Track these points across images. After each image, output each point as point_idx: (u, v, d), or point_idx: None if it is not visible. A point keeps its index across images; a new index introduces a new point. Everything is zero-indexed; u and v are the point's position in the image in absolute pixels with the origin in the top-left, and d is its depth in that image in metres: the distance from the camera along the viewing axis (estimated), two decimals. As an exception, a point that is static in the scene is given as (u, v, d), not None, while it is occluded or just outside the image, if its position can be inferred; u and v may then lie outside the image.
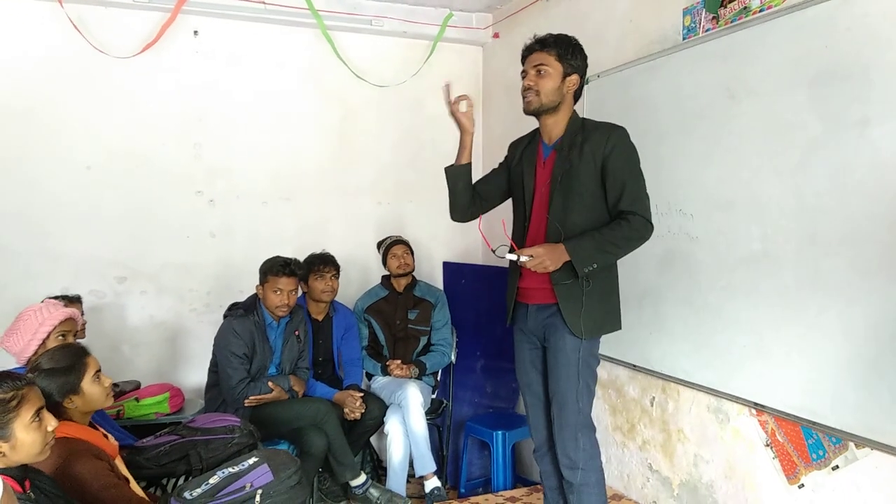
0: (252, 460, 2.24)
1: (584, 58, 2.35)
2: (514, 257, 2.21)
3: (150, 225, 3.67)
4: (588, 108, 3.19)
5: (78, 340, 2.53)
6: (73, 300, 3.10)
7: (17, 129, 3.41)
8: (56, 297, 2.92)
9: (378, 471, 3.76)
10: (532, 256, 2.18)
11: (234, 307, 3.29)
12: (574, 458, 2.30)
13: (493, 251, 2.26)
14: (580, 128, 2.32)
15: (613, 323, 2.37)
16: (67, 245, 3.50)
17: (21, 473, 1.65)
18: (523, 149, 2.51)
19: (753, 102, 2.32)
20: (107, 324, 3.55)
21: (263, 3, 3.68)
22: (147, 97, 3.64)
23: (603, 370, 3.18)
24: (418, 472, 3.40)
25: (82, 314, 2.97)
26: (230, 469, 2.21)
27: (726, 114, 2.43)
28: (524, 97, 2.34)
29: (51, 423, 1.70)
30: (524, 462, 3.79)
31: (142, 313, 3.69)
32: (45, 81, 3.45)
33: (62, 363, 2.06)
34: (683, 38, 2.68)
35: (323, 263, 3.52)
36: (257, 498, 2.13)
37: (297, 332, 3.36)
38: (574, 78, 2.32)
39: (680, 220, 2.65)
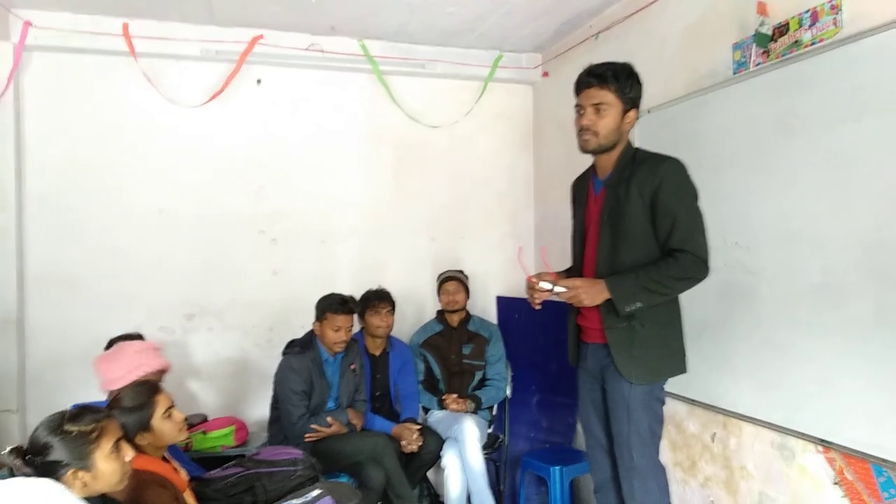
0: (316, 492, 2.31)
1: (641, 86, 2.24)
2: (548, 286, 2.13)
3: (217, 264, 3.84)
4: (639, 143, 3.21)
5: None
6: (133, 338, 3.22)
7: (97, 175, 3.65)
8: (120, 337, 3.07)
9: (428, 492, 3.77)
10: (568, 288, 2.10)
11: (291, 345, 3.39)
12: (635, 501, 2.24)
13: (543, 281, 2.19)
14: (630, 160, 2.22)
15: (674, 368, 2.25)
16: (141, 284, 3.70)
17: (101, 503, 1.74)
18: (579, 183, 2.49)
19: (809, 134, 2.31)
20: (175, 359, 3.62)
21: (322, 51, 3.86)
22: (214, 143, 3.84)
23: (661, 405, 3.14)
24: (476, 507, 3.40)
25: None
26: (294, 501, 2.28)
27: (782, 146, 2.42)
28: (581, 136, 2.24)
29: (128, 453, 1.79)
30: (582, 498, 3.74)
31: (208, 349, 3.84)
32: (122, 131, 3.69)
33: (135, 401, 2.16)
34: (734, 73, 2.70)
35: (378, 299, 3.61)
36: (321, 529, 2.18)
37: (353, 366, 3.44)
38: (633, 113, 2.23)
39: (737, 253, 2.63)
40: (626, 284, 2.08)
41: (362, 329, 3.68)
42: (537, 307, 2.22)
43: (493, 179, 4.39)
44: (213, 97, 3.76)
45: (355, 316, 3.42)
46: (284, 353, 3.36)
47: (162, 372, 2.74)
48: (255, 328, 3.92)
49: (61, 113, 3.61)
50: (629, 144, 2.29)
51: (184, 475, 2.34)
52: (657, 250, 2.16)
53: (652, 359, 2.18)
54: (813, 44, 2.32)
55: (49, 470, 1.65)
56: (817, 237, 2.28)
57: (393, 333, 3.75)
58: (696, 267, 2.10)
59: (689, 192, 2.16)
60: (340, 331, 3.25)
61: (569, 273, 2.48)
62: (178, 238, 3.77)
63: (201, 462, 3.05)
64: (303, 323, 3.48)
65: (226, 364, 3.87)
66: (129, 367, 2.60)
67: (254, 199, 3.92)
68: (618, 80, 2.17)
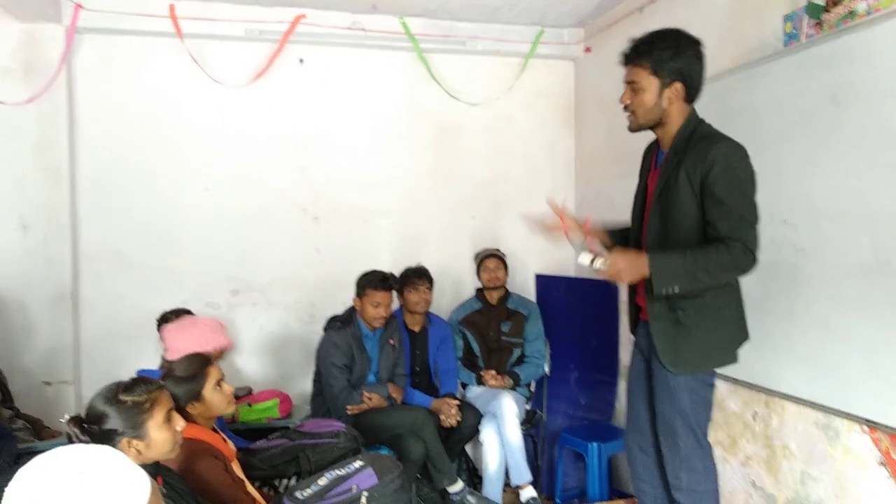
0: (358, 464, 2.36)
1: (692, 54, 2.10)
2: (587, 261, 2.04)
3: (261, 241, 3.92)
4: (683, 118, 3.15)
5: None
6: (182, 314, 3.32)
7: (145, 154, 3.75)
8: (171, 312, 3.18)
9: (474, 479, 3.83)
10: (607, 263, 1.99)
11: (332, 320, 3.46)
12: (683, 481, 2.23)
13: (575, 249, 2.15)
14: (687, 139, 2.09)
15: (722, 358, 2.20)
16: (187, 260, 3.81)
17: (154, 470, 1.81)
18: (648, 151, 2.38)
19: (861, 108, 2.24)
20: (221, 334, 3.80)
21: (364, 29, 3.87)
22: (257, 123, 3.90)
23: (702, 384, 3.12)
24: (514, 482, 3.44)
25: None
26: (338, 472, 2.34)
27: (832, 121, 2.36)
28: (627, 115, 2.20)
29: (179, 423, 1.85)
30: (619, 475, 3.75)
31: (252, 324, 3.94)
32: (170, 110, 3.78)
33: (187, 372, 2.24)
34: (785, 45, 2.62)
35: (417, 276, 3.64)
36: (363, 500, 2.24)
37: (391, 341, 3.49)
38: (677, 86, 2.09)
39: (784, 230, 2.57)
40: (670, 266, 1.98)
41: (402, 306, 3.72)
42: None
43: (534, 157, 4.36)
44: (257, 77, 3.82)
45: (394, 293, 3.46)
46: (326, 329, 3.44)
47: (224, 350, 2.83)
48: (297, 304, 4.00)
49: (111, 94, 3.70)
50: (691, 118, 2.15)
51: (231, 445, 2.42)
52: (706, 236, 2.05)
53: (697, 348, 2.12)
54: (868, 14, 2.24)
55: (105, 438, 1.72)
56: (868, 214, 2.22)
57: (432, 310, 3.78)
58: (745, 258, 1.98)
59: (742, 178, 2.01)
60: (380, 307, 3.31)
61: (623, 236, 2.41)
62: (223, 216, 3.85)
63: (247, 433, 3.15)
64: (344, 299, 3.54)
65: (269, 339, 3.97)
66: (200, 341, 2.69)
67: (297, 178, 3.98)
68: (651, 53, 2.07)
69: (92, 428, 1.71)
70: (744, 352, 2.77)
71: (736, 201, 1.98)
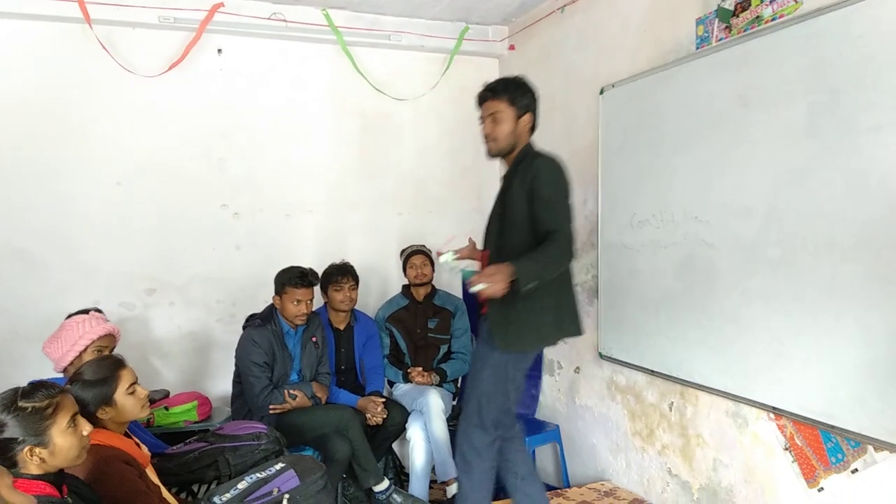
0: (279, 465, 2.31)
1: (534, 94, 2.55)
2: (449, 258, 2.49)
3: (178, 238, 3.77)
4: (603, 117, 3.24)
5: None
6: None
7: (51, 147, 3.53)
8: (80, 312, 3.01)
9: (401, 476, 3.81)
10: (487, 276, 2.22)
11: (251, 318, 3.38)
12: (463, 450, 2.55)
13: (465, 283, 2.45)
14: (521, 159, 2.50)
15: (544, 338, 2.53)
16: (99, 259, 3.61)
17: (59, 479, 1.73)
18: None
19: (767, 110, 2.35)
20: (136, 335, 3.64)
21: (285, 20, 3.77)
22: (173, 114, 3.75)
23: (621, 375, 3.22)
24: (440, 478, 3.45)
25: None
26: (258, 474, 2.28)
27: (741, 122, 2.46)
28: (485, 144, 2.56)
29: (85, 428, 1.77)
30: (544, 467, 3.82)
31: (170, 324, 3.79)
32: (77, 100, 3.57)
33: (97, 375, 2.14)
34: (697, 48, 2.72)
35: (341, 274, 3.59)
36: (284, 502, 2.19)
37: (314, 339, 3.44)
38: (526, 117, 2.52)
39: (696, 227, 2.68)
40: (527, 268, 2.25)
41: (326, 303, 3.67)
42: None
43: (460, 153, 4.38)
44: (172, 66, 3.66)
45: (317, 289, 3.40)
46: (245, 327, 3.35)
47: (111, 338, 2.69)
48: (217, 303, 3.88)
49: (14, 81, 3.47)
50: (528, 146, 2.57)
51: (145, 451, 2.33)
52: (534, 234, 2.38)
53: (521, 331, 2.42)
54: (773, 19, 2.35)
55: (4, 448, 1.62)
56: (775, 210, 2.33)
57: (358, 307, 3.74)
58: (567, 246, 2.33)
59: (559, 184, 2.40)
60: (301, 304, 3.25)
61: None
62: (136, 211, 3.68)
63: (164, 438, 3.03)
64: (266, 298, 3.45)
65: (188, 339, 3.83)
66: (72, 340, 2.56)
67: (215, 172, 3.84)
68: (507, 90, 2.49)
69: (-10, 437, 1.61)
70: (661, 344, 2.88)
71: (555, 201, 2.36)
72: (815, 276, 2.19)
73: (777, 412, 2.36)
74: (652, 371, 2.97)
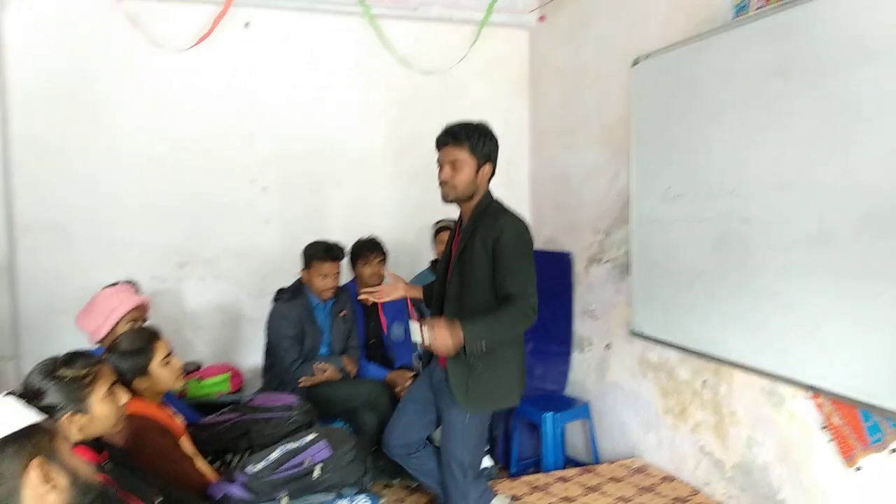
0: (311, 437, 2.33)
1: (496, 142, 2.46)
2: (416, 339, 2.33)
3: (208, 212, 3.80)
4: (636, 89, 3.17)
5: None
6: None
7: (82, 123, 3.57)
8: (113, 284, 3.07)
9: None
10: (432, 330, 2.21)
11: (281, 292, 3.40)
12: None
13: (405, 331, 2.42)
14: (482, 213, 2.41)
15: (506, 398, 2.51)
16: (130, 233, 3.66)
17: (98, 445, 1.76)
18: (455, 225, 2.63)
19: (808, 81, 2.27)
20: (168, 308, 3.69)
21: (312, -8, 3.75)
22: (202, 89, 3.75)
23: (653, 352, 3.18)
24: (469, 453, 3.45)
25: None
26: (290, 445, 2.30)
27: (780, 93, 2.38)
28: (441, 188, 2.43)
29: (122, 397, 1.81)
30: (574, 444, 3.81)
31: (201, 298, 3.83)
32: (107, 76, 3.59)
33: (133, 346, 2.18)
34: (734, 17, 2.64)
35: (369, 249, 3.59)
36: (316, 472, 2.22)
37: (342, 313, 3.45)
38: (487, 167, 2.42)
39: (731, 201, 2.62)
40: (476, 329, 2.24)
41: (355, 278, 3.68)
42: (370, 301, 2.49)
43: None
44: (200, 41, 3.66)
45: (344, 262, 3.41)
46: (275, 301, 3.37)
47: (142, 309, 2.73)
48: (247, 277, 3.91)
49: (45, 57, 3.50)
50: (487, 195, 2.47)
51: (180, 421, 2.37)
52: (494, 292, 2.35)
53: (482, 391, 2.39)
54: (817, -15, 2.26)
55: (45, 415, 1.65)
56: (814, 184, 2.26)
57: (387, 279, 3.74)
58: (529, 312, 2.31)
59: (525, 245, 2.37)
60: (327, 278, 3.27)
61: (425, 296, 2.75)
62: (167, 186, 3.71)
63: (197, 409, 3.08)
64: (295, 272, 3.47)
65: (218, 312, 3.87)
66: (105, 313, 2.60)
67: (244, 147, 3.85)
68: (470, 138, 2.37)
69: (30, 404, 1.64)
70: (694, 321, 2.84)
71: (519, 265, 2.31)
72: (854, 251, 2.13)
73: (814, 390, 2.31)
74: (685, 348, 2.93)
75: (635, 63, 3.17)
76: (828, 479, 2.30)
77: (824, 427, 2.30)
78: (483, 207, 2.43)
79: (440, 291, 2.53)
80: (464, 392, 2.37)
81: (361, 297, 2.44)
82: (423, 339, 2.27)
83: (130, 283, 3.20)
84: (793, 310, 2.37)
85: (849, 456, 2.22)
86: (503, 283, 2.32)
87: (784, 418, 2.47)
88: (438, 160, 2.44)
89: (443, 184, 2.42)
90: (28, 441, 1.09)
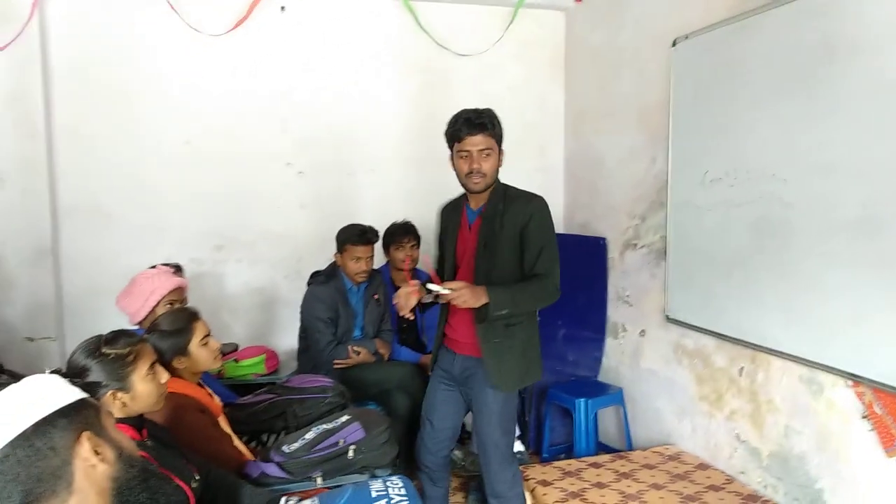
0: (345, 418, 2.36)
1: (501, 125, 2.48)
2: (437, 289, 2.28)
3: (245, 196, 3.85)
4: (675, 70, 3.10)
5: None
6: (177, 270, 3.31)
7: (122, 108, 3.64)
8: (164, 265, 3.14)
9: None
10: (453, 290, 2.25)
11: (315, 275, 3.43)
12: (499, 489, 2.52)
13: (423, 284, 2.35)
14: (503, 196, 2.46)
15: (534, 375, 2.56)
16: (170, 217, 3.74)
17: (139, 422, 1.80)
18: (451, 212, 2.63)
19: (855, 60, 2.20)
20: (206, 290, 3.76)
21: (347, -24, 3.74)
22: (238, 73, 3.79)
23: (689, 339, 3.14)
24: (502, 436, 3.46)
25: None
26: (325, 426, 2.33)
27: (826, 73, 2.31)
28: (470, 178, 2.41)
29: (163, 376, 1.84)
30: (606, 430, 3.79)
31: (237, 280, 3.90)
32: (146, 60, 3.66)
33: (173, 326, 2.22)
34: (780, -6, 2.56)
35: (403, 233, 3.60)
36: (350, 453, 2.24)
37: (376, 296, 3.47)
38: (502, 152, 2.47)
39: (773, 185, 2.56)
40: (501, 293, 2.29)
41: (388, 262, 3.69)
42: (410, 315, 2.40)
43: (523, 110, 4.29)
44: (237, 25, 3.69)
45: (378, 246, 3.42)
46: (309, 284, 3.41)
47: (180, 291, 2.79)
48: (283, 260, 3.96)
49: (86, 42, 3.57)
50: (498, 180, 2.51)
51: (218, 401, 2.41)
52: (522, 274, 2.42)
53: (518, 368, 2.48)
54: (867, -39, 2.18)
55: (88, 391, 1.70)
56: (860, 167, 2.19)
57: (421, 267, 3.75)
58: (554, 290, 2.41)
59: (551, 228, 2.47)
60: (361, 261, 3.28)
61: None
62: (205, 170, 3.77)
63: (234, 389, 3.13)
64: (329, 256, 3.50)
65: (255, 295, 3.93)
66: (144, 295, 2.66)
67: (279, 131, 3.88)
68: (493, 126, 2.41)
69: (74, 381, 1.68)
70: (732, 308, 2.80)
71: (549, 247, 2.41)
72: (902, 236, 2.06)
73: (855, 379, 2.26)
74: (722, 335, 2.88)
75: (675, 44, 3.10)
76: (867, 468, 2.25)
77: (865, 416, 2.25)
78: (501, 191, 2.47)
79: (452, 276, 2.53)
80: (498, 372, 2.42)
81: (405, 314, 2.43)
82: (445, 292, 2.26)
83: (176, 266, 3.28)
84: (835, 297, 2.31)
85: (890, 446, 2.16)
86: (533, 263, 2.38)
87: (823, 407, 2.42)
88: (465, 149, 2.39)
89: (474, 173, 2.39)
90: (78, 415, 1.11)
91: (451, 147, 2.47)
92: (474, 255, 2.46)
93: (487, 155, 2.39)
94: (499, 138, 2.43)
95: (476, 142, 2.38)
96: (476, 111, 2.40)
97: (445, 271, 2.60)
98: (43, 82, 3.48)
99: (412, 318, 2.45)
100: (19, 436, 1.04)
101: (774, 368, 2.64)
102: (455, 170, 2.47)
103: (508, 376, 2.45)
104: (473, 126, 2.37)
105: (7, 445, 1.03)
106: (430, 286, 2.30)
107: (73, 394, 1.15)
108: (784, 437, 2.61)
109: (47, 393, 1.12)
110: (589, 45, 4.02)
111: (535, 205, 2.43)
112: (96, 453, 1.10)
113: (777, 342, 2.58)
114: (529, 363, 2.52)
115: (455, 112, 2.45)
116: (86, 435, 1.10)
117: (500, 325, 2.38)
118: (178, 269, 3.30)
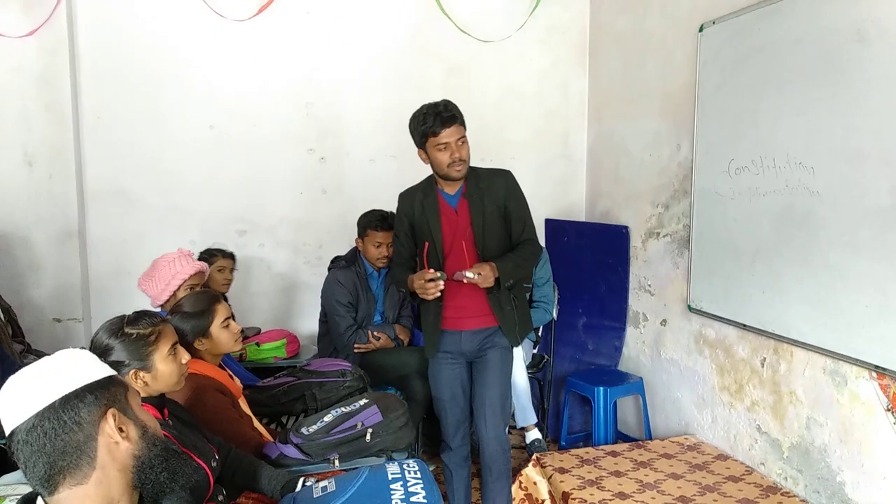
0: (363, 401, 2.37)
1: None
2: (470, 275, 2.46)
3: (267, 181, 3.88)
4: (701, 56, 3.05)
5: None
6: (226, 255, 3.38)
7: (148, 93, 3.68)
8: (211, 250, 3.34)
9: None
10: (480, 273, 2.46)
11: (336, 260, 3.46)
12: (507, 445, 2.71)
13: (451, 278, 2.51)
14: (475, 176, 2.64)
15: (529, 327, 2.85)
16: (194, 200, 3.78)
17: (160, 402, 1.83)
18: (422, 201, 2.70)
19: (885, 45, 2.15)
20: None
21: (371, -39, 3.73)
22: (262, 58, 3.81)
23: (711, 329, 3.11)
24: (519, 424, 3.47)
25: (234, 269, 3.42)
26: (343, 409, 2.35)
27: (856, 58, 2.26)
28: (453, 167, 2.54)
29: (184, 356, 1.87)
30: (625, 419, 3.78)
31: (260, 265, 3.94)
32: (171, 45, 3.69)
33: (195, 308, 2.25)
34: (810, -22, 2.50)
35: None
36: (367, 436, 2.26)
37: None
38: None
39: (799, 173, 2.51)
40: (508, 265, 2.55)
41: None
42: (435, 295, 2.52)
43: (545, 97, 4.26)
44: (261, 10, 3.70)
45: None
46: (330, 268, 3.43)
47: (200, 276, 2.83)
48: (305, 245, 3.99)
49: (114, 27, 3.62)
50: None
51: (238, 383, 2.44)
52: (510, 241, 2.66)
53: (523, 324, 2.75)
54: (901, -57, 2.12)
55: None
56: (888, 155, 2.14)
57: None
58: (539, 249, 2.77)
59: (524, 195, 2.71)
60: (381, 246, 3.30)
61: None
62: (228, 155, 3.80)
63: (255, 372, 3.17)
64: (351, 242, 3.52)
65: (277, 280, 3.97)
66: (166, 279, 2.71)
67: (302, 117, 3.90)
68: (460, 114, 2.55)
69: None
70: (755, 298, 2.77)
71: (528, 215, 2.70)
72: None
73: (880, 371, 2.22)
74: (744, 325, 2.85)
75: (702, 29, 3.05)
76: (891, 461, 2.21)
77: (889, 409, 2.21)
78: (472, 173, 2.64)
79: (437, 262, 2.63)
80: (514, 330, 2.67)
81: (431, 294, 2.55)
82: (472, 276, 2.46)
83: (224, 253, 3.40)
84: (861, 287, 2.27)
85: (916, 440, 2.13)
86: (521, 231, 2.65)
87: (846, 399, 2.38)
88: (443, 142, 2.51)
89: (458, 162, 2.53)
90: (106, 391, 1.13)
91: (421, 143, 2.59)
92: (473, 235, 2.61)
93: (463, 142, 2.55)
94: (465, 125, 2.56)
95: (451, 132, 2.51)
96: (442, 104, 2.54)
97: (430, 257, 2.67)
98: (71, 67, 3.54)
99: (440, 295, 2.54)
100: (47, 407, 1.06)
101: (797, 360, 2.61)
102: (431, 162, 2.60)
103: (521, 332, 2.73)
104: (445, 119, 2.51)
105: (35, 416, 1.06)
106: (464, 272, 2.46)
107: (103, 370, 1.17)
108: (806, 428, 2.58)
109: (78, 367, 1.14)
110: (614, 31, 3.96)
111: (509, 179, 2.67)
112: (120, 431, 1.12)
113: (801, 333, 2.54)
114: (526, 317, 2.82)
115: (453, 107, 2.55)
116: (111, 412, 1.12)
117: (506, 293, 2.61)
118: (228, 256, 3.42)
